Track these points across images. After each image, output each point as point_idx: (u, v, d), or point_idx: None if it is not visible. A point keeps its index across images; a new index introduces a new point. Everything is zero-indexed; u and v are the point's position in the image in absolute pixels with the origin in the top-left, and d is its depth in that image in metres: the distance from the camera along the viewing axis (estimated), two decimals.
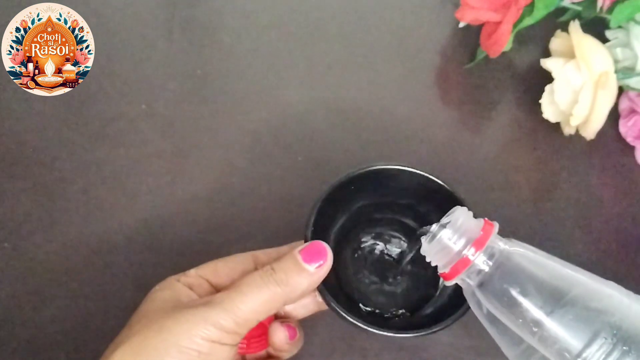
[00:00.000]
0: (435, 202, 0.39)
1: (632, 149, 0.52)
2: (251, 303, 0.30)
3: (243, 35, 0.57)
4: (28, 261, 0.44)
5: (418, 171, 0.38)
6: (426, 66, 0.58)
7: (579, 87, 0.49)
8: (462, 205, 0.34)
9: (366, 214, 0.41)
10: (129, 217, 0.47)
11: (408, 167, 0.38)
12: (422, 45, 0.59)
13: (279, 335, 0.34)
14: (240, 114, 0.53)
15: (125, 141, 0.50)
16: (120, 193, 0.48)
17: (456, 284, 0.33)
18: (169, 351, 0.28)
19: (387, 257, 0.41)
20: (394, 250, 0.41)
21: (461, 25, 0.60)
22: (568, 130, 0.52)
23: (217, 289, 0.34)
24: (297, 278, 0.31)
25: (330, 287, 0.34)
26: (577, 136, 0.51)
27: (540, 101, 0.52)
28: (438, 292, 0.39)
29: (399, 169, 0.38)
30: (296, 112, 0.54)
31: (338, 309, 0.33)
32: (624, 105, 0.52)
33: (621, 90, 0.51)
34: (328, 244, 0.34)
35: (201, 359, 0.29)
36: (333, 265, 0.33)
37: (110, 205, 0.47)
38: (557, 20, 0.57)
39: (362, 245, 0.41)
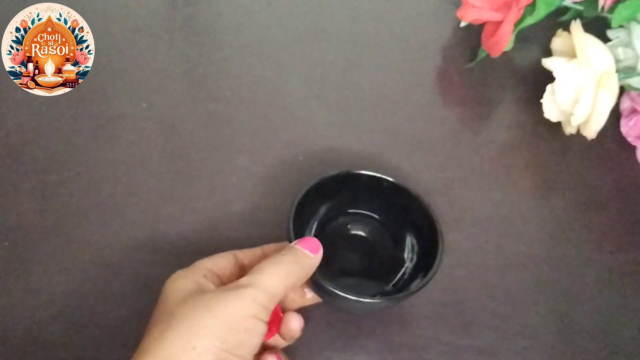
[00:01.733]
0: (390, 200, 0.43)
1: (633, 148, 0.52)
2: (277, 278, 0.33)
3: (244, 34, 0.57)
4: (27, 260, 0.44)
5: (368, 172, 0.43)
6: (427, 66, 0.58)
7: (580, 87, 0.49)
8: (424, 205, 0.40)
9: (338, 212, 0.44)
10: (129, 216, 0.47)
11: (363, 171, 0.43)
12: (423, 45, 0.59)
13: (295, 322, 0.37)
14: (240, 113, 0.53)
15: (125, 141, 0.51)
16: (120, 192, 0.48)
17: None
18: (219, 329, 0.30)
19: (359, 250, 0.44)
20: (365, 242, 0.44)
21: (462, 24, 0.60)
22: (569, 130, 0.52)
23: (222, 280, 0.37)
24: (305, 260, 0.36)
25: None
26: (578, 136, 0.51)
27: (541, 101, 0.51)
28: (406, 274, 0.42)
29: (358, 174, 0.43)
30: (296, 110, 0.54)
31: (328, 287, 0.36)
32: (625, 104, 0.52)
33: (622, 90, 0.51)
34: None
35: (247, 334, 0.31)
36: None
37: (111, 205, 0.47)
38: (558, 20, 0.57)
39: (338, 240, 0.44)
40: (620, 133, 0.52)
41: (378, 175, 0.43)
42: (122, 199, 0.48)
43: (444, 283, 0.44)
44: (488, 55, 0.55)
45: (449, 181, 0.50)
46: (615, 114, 0.52)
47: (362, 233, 0.45)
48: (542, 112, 0.51)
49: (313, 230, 0.44)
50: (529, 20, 0.55)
